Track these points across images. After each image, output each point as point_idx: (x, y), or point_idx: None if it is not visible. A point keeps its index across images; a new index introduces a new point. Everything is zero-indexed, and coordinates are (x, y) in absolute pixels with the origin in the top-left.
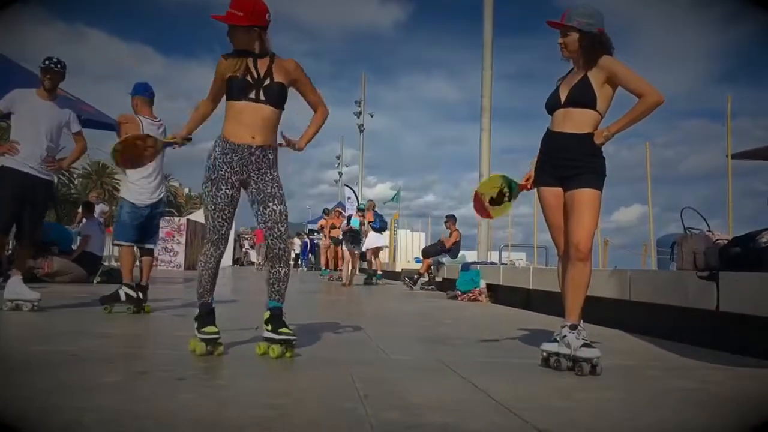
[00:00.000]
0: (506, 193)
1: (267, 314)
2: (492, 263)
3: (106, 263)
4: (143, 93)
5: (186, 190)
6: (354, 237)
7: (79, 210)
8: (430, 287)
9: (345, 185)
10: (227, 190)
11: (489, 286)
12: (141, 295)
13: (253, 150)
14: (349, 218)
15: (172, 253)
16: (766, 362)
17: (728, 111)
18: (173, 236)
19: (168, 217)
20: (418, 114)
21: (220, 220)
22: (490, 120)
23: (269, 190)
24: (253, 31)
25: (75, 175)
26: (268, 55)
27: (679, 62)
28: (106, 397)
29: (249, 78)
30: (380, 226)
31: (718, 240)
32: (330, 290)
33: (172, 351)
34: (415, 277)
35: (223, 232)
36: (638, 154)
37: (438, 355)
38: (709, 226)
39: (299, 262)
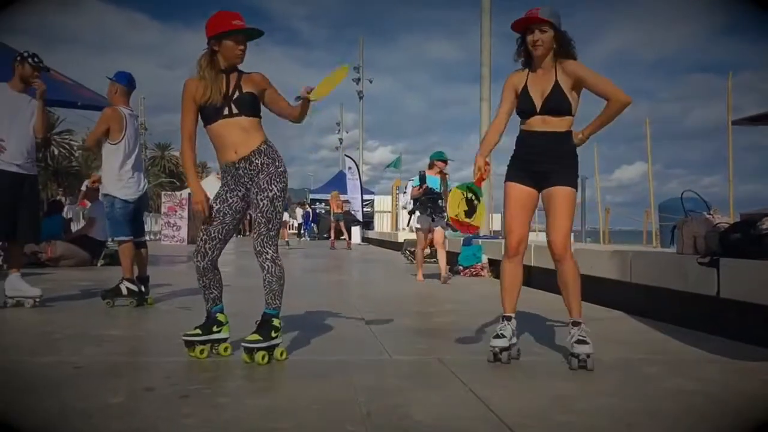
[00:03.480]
0: (472, 198)
1: (259, 320)
2: (494, 237)
3: (109, 246)
4: (126, 84)
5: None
6: (434, 204)
7: (83, 188)
8: (432, 260)
9: (345, 155)
10: (217, 206)
11: (491, 261)
12: (143, 287)
13: (237, 164)
14: (422, 177)
15: (174, 228)
16: (765, 352)
17: (728, 87)
18: (176, 211)
19: (169, 192)
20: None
21: (203, 234)
22: (490, 89)
23: (255, 197)
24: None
25: (75, 148)
26: (236, 71)
27: (683, 15)
28: (110, 423)
29: (220, 98)
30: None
31: (718, 224)
32: (330, 268)
33: (176, 358)
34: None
35: (200, 244)
36: (639, 111)
37: (440, 354)
38: (709, 209)
39: (302, 232)
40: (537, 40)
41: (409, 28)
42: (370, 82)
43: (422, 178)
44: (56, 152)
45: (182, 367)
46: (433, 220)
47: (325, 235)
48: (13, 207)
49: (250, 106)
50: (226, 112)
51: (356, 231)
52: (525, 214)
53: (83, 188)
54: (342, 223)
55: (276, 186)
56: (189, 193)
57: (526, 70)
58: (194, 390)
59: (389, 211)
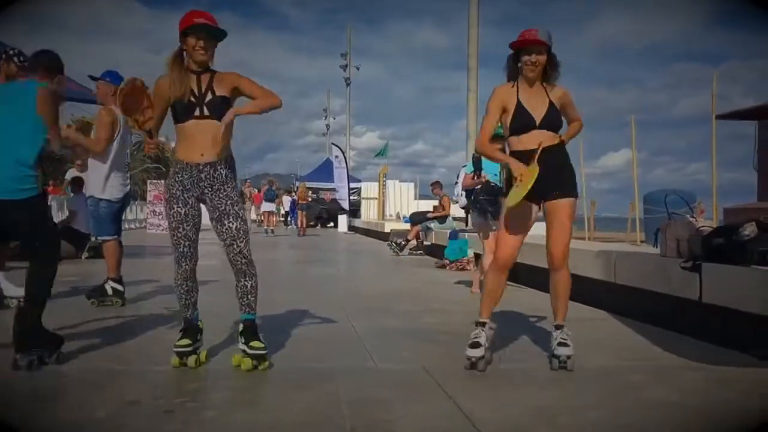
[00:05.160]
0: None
1: (240, 327)
2: None
3: (93, 238)
4: (117, 82)
5: (173, 144)
6: (494, 206)
7: (67, 178)
8: (418, 252)
9: (332, 144)
10: (179, 209)
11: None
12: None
13: (201, 167)
14: (477, 161)
15: (160, 217)
16: (746, 358)
17: (713, 87)
18: (161, 199)
19: (155, 180)
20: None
21: (176, 238)
22: (477, 81)
23: (224, 208)
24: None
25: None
26: (209, 71)
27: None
28: None
29: (192, 98)
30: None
31: (701, 228)
32: (316, 260)
33: (162, 367)
34: (402, 242)
35: (182, 249)
36: (627, 98)
37: (425, 361)
38: (693, 212)
39: (288, 220)
40: (535, 62)
41: (398, 14)
42: (357, 69)
43: (477, 163)
44: None
45: (168, 378)
46: (489, 220)
47: (311, 223)
48: None
49: (221, 110)
50: (197, 113)
51: (343, 220)
52: (523, 231)
53: (68, 177)
54: (305, 213)
55: (240, 204)
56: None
57: (514, 86)
58: (179, 404)
59: (376, 198)
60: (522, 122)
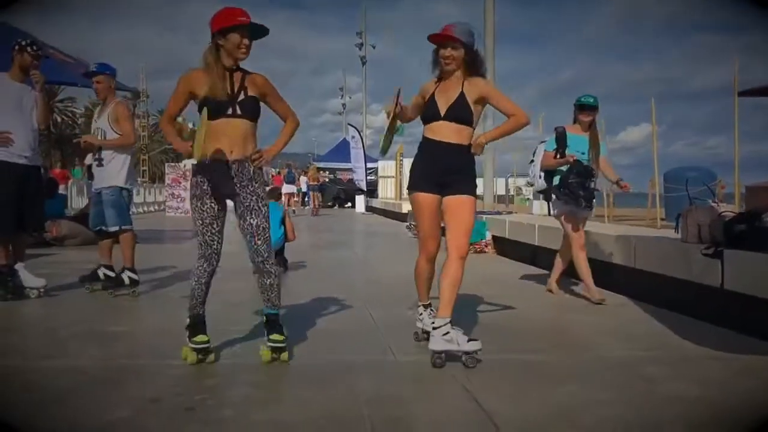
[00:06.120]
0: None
1: (264, 319)
2: (497, 213)
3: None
4: (114, 75)
5: (190, 125)
6: (585, 189)
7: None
8: None
9: (349, 124)
10: (212, 204)
11: (495, 238)
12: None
13: (230, 164)
14: (561, 136)
15: (179, 200)
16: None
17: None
18: (180, 182)
19: (173, 164)
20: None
21: (209, 234)
22: (494, 62)
23: (248, 203)
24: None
25: (78, 115)
26: (239, 70)
27: None
28: None
29: (225, 96)
30: None
31: (723, 213)
32: (334, 243)
33: (181, 362)
34: None
35: (214, 247)
36: (645, 72)
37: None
38: (713, 193)
39: (306, 200)
40: (449, 56)
41: None
42: (374, 47)
43: (560, 138)
44: (59, 120)
45: (188, 373)
46: (581, 207)
47: (329, 203)
48: (21, 199)
49: (253, 110)
50: (230, 111)
51: (360, 200)
52: (438, 221)
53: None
54: (317, 194)
55: (266, 200)
56: (192, 164)
57: (439, 80)
58: (199, 401)
59: (393, 176)
60: (429, 113)
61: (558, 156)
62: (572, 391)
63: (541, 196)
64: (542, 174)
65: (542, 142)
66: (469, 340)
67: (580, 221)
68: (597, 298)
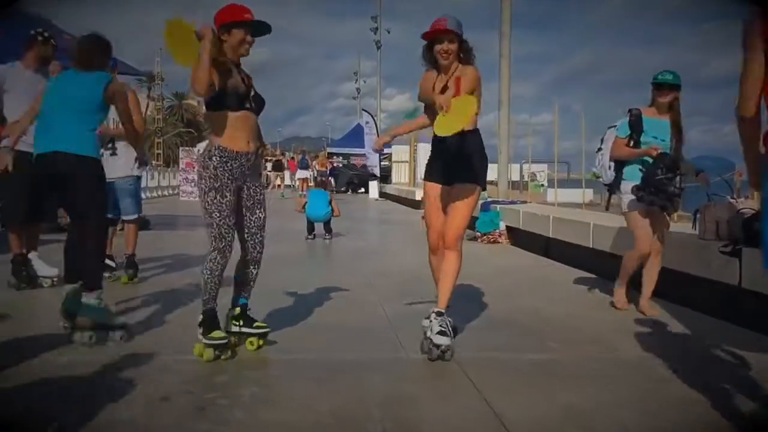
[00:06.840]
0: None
1: (237, 311)
2: (512, 202)
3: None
4: (115, 65)
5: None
6: (670, 175)
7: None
8: None
9: (363, 110)
10: (232, 197)
11: (509, 228)
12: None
13: (249, 156)
14: (636, 119)
15: (193, 184)
16: None
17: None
18: (194, 167)
19: (187, 148)
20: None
21: (226, 227)
22: (510, 47)
23: (258, 197)
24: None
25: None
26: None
27: None
28: None
29: (243, 87)
30: None
31: (742, 209)
32: (345, 231)
33: (192, 357)
34: None
35: (229, 239)
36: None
37: (457, 352)
38: (733, 193)
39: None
40: (446, 50)
41: None
42: (389, 32)
43: (635, 123)
44: None
45: (198, 369)
46: (664, 208)
47: (342, 189)
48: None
49: (260, 106)
50: (247, 105)
51: (373, 186)
52: (442, 211)
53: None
54: (325, 179)
55: (265, 209)
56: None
57: (435, 73)
58: (210, 400)
59: (407, 161)
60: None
61: (630, 143)
62: (585, 392)
63: (606, 188)
64: (612, 164)
65: (610, 127)
66: (445, 334)
67: (662, 222)
68: (649, 313)
